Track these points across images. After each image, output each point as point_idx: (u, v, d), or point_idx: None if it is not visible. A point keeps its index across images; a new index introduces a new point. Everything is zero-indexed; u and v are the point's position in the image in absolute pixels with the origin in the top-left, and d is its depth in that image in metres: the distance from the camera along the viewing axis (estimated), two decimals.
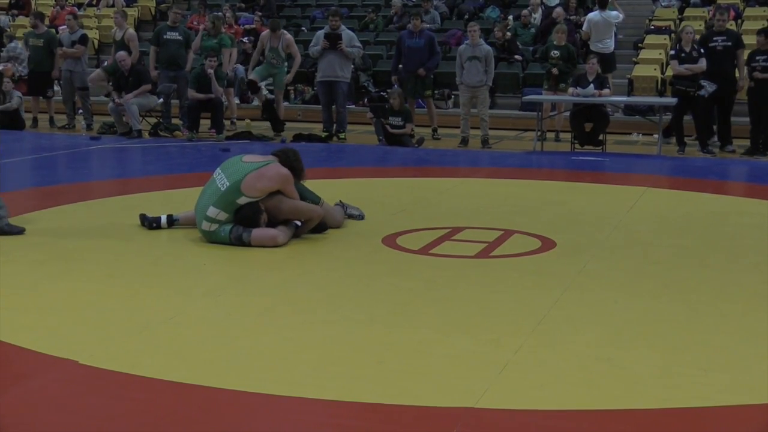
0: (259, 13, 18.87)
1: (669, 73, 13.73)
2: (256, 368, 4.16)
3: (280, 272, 6.03)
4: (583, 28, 15.21)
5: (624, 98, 14.43)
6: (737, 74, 12.48)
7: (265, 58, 14.03)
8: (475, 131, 13.13)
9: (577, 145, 12.63)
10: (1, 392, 3.83)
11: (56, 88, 15.37)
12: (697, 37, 12.89)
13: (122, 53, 13.64)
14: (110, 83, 13.82)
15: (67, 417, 3.65)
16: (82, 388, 3.95)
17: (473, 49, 12.95)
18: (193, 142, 12.89)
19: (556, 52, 13.47)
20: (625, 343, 4.51)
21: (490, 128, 13.23)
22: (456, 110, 14.51)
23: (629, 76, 15.69)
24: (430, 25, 16.99)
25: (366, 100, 16.13)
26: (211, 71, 13.20)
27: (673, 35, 16.24)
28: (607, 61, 14.44)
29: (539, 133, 12.82)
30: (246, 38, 17.21)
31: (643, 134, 14.24)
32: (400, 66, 13.83)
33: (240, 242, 6.46)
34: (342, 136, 13.64)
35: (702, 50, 12.31)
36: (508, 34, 16.75)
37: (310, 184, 7.20)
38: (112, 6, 20.24)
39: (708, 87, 12.10)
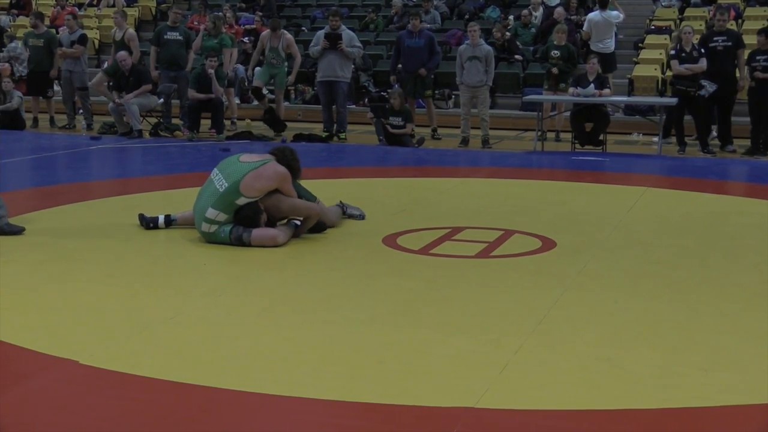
0: (260, 13, 18.87)
1: (669, 73, 13.73)
2: (256, 368, 4.16)
3: (281, 272, 6.03)
4: (584, 28, 15.22)
5: (624, 98, 14.43)
6: (738, 74, 12.48)
7: (265, 58, 14.03)
8: (475, 131, 13.13)
9: (577, 145, 12.63)
10: (1, 392, 3.83)
11: (56, 88, 15.38)
12: (697, 37, 12.89)
13: (123, 53, 13.64)
14: (110, 83, 13.82)
15: (67, 417, 3.65)
16: (82, 388, 3.95)
17: (473, 49, 12.94)
18: (194, 142, 12.90)
19: (556, 52, 13.47)
20: (625, 343, 4.51)
21: (490, 128, 13.23)
22: (456, 110, 14.51)
23: (629, 76, 15.70)
24: (430, 25, 17.00)
25: (366, 100, 16.13)
26: (211, 71, 13.21)
27: (674, 35, 16.24)
28: (608, 61, 14.44)
29: (539, 133, 12.82)
30: (246, 38, 17.21)
31: (644, 134, 14.23)
32: (399, 66, 13.82)
33: (240, 242, 6.46)
34: (342, 136, 13.64)
35: (702, 50, 12.32)
36: (507, 34, 16.75)
37: (311, 183, 7.21)
38: (113, 6, 20.25)
39: (708, 87, 12.10)
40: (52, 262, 6.12)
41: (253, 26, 18.03)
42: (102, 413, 3.68)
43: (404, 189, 9.32)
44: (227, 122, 14.23)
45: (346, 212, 7.46)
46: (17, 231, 6.72)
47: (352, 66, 14.38)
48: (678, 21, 17.42)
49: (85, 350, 4.30)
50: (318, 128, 13.94)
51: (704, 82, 12.13)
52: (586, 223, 7.63)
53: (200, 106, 13.37)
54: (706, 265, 6.21)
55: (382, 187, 9.48)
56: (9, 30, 19.01)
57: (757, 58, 12.15)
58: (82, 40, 14.74)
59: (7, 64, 15.20)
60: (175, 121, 14.31)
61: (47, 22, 18.21)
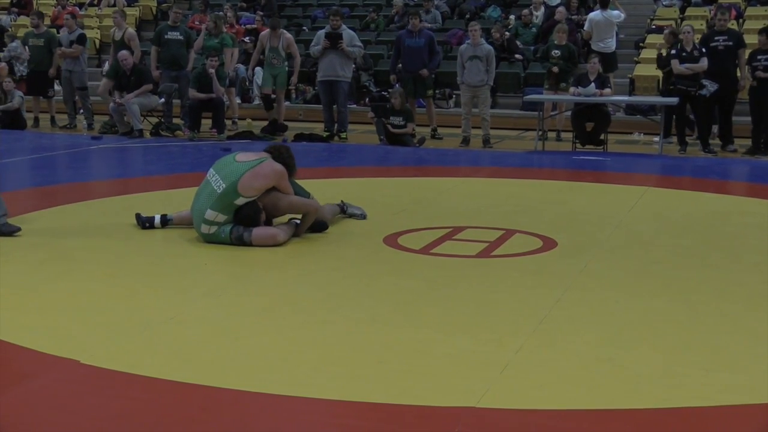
0: (260, 13, 18.87)
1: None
2: (257, 368, 4.16)
3: (281, 272, 6.03)
4: (585, 28, 15.22)
5: (625, 98, 14.43)
6: (738, 74, 12.48)
7: (265, 58, 14.02)
8: (476, 131, 13.12)
9: (578, 145, 12.63)
10: (2, 392, 3.83)
11: (57, 87, 15.39)
12: (698, 37, 12.88)
13: (124, 52, 13.65)
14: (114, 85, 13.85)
15: (68, 417, 3.65)
16: (83, 387, 3.95)
17: (474, 49, 12.94)
18: (195, 142, 12.90)
19: (557, 51, 13.47)
20: (626, 343, 4.51)
21: (491, 128, 13.23)
22: (457, 110, 14.50)
23: (630, 76, 15.69)
24: (431, 24, 17.00)
25: (367, 99, 16.13)
26: (212, 71, 13.21)
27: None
28: (609, 61, 14.44)
29: (540, 133, 12.82)
30: (247, 38, 17.21)
31: (645, 134, 14.23)
32: (400, 66, 13.82)
33: (241, 242, 6.46)
34: (343, 135, 13.64)
35: (704, 50, 12.31)
36: (507, 34, 16.74)
37: (312, 183, 7.21)
38: (114, 5, 20.25)
39: (710, 86, 12.10)
40: (53, 261, 6.12)
41: (254, 26, 18.02)
42: (103, 413, 3.68)
43: (405, 189, 9.32)
44: (228, 122, 14.23)
45: (347, 211, 7.47)
46: (14, 231, 6.69)
47: (353, 66, 14.38)
48: (679, 20, 17.41)
49: (86, 350, 4.30)
50: (319, 128, 13.94)
51: (705, 82, 12.13)
52: (587, 222, 7.63)
53: (201, 105, 13.38)
54: (707, 265, 6.21)
55: (383, 186, 9.48)
56: (10, 29, 19.01)
57: (758, 57, 12.14)
58: (81, 39, 14.75)
59: (4, 64, 15.19)
60: (176, 120, 14.31)
61: (48, 21, 18.23)
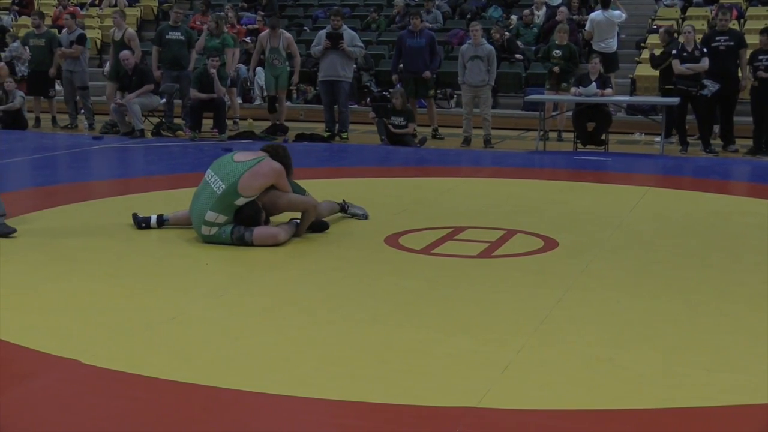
0: (261, 13, 18.87)
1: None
2: (259, 368, 4.16)
3: (283, 272, 6.03)
4: (586, 28, 15.22)
5: (626, 98, 14.42)
6: (740, 74, 12.47)
7: (265, 59, 14.02)
8: (477, 131, 13.12)
9: (579, 145, 12.63)
10: (3, 392, 3.84)
11: (58, 87, 15.40)
12: (699, 37, 12.88)
13: (126, 52, 13.67)
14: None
15: (69, 416, 3.65)
16: (84, 387, 3.96)
17: (476, 49, 12.94)
18: (196, 142, 12.90)
19: (558, 51, 13.47)
20: (627, 343, 4.51)
21: (492, 128, 13.23)
22: (458, 110, 14.50)
23: (632, 76, 15.69)
24: (432, 24, 17.00)
25: (368, 99, 16.14)
26: (213, 71, 13.22)
27: (676, 34, 16.21)
28: (610, 61, 14.44)
29: (541, 133, 12.82)
30: (249, 38, 17.21)
31: (646, 134, 14.23)
32: (401, 65, 13.82)
33: (242, 242, 6.46)
34: (344, 135, 13.64)
35: (705, 50, 12.31)
36: (507, 34, 16.74)
37: (313, 183, 7.22)
38: (115, 6, 20.26)
39: (711, 86, 12.10)
40: (54, 261, 6.13)
41: (255, 26, 18.03)
42: (104, 413, 3.68)
43: (406, 189, 9.32)
44: (229, 122, 14.23)
45: (348, 211, 7.47)
46: (9, 232, 6.67)
47: (354, 66, 14.38)
48: (680, 20, 17.40)
49: (87, 350, 4.30)
50: (320, 128, 13.95)
51: (707, 82, 12.13)
52: (588, 222, 7.63)
53: (202, 105, 13.38)
54: (708, 265, 6.21)
55: (384, 186, 9.48)
56: (11, 30, 19.02)
57: (760, 57, 12.14)
58: (81, 39, 14.75)
59: (3, 64, 15.19)
60: (177, 120, 14.32)
61: (49, 21, 18.24)
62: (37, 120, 15.08)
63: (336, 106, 13.64)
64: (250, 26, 18.31)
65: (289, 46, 13.92)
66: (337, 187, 8.86)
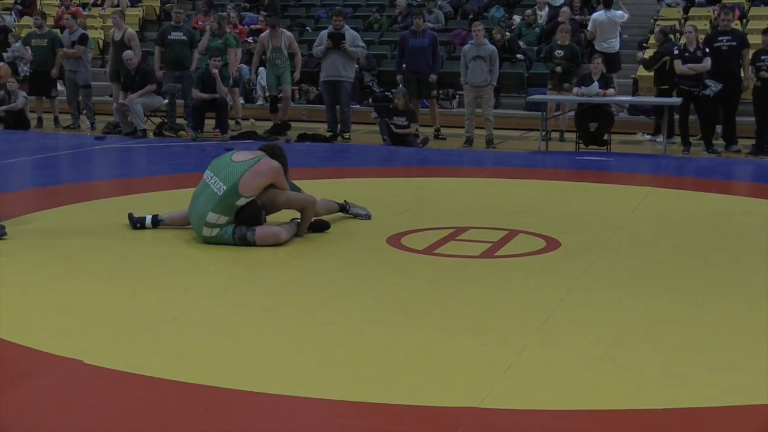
0: (264, 13, 18.88)
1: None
2: (260, 368, 4.16)
3: (284, 272, 6.03)
4: (588, 28, 15.21)
5: (629, 98, 14.41)
6: (742, 74, 12.47)
7: (267, 59, 14.01)
8: (479, 131, 13.12)
9: (581, 145, 12.62)
10: (6, 391, 3.84)
11: (60, 87, 15.41)
12: (701, 37, 12.89)
13: (129, 52, 13.68)
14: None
15: (71, 416, 3.65)
16: (86, 387, 3.96)
17: (478, 49, 12.94)
18: (198, 142, 12.90)
19: (560, 51, 13.46)
20: (630, 343, 4.51)
21: (494, 128, 13.22)
22: (460, 110, 14.50)
23: (634, 76, 15.67)
24: (433, 24, 17.00)
25: (370, 100, 16.13)
26: (215, 71, 13.22)
27: (671, 35, 16.21)
28: (612, 61, 14.43)
29: (544, 133, 12.81)
30: (251, 38, 17.22)
31: (648, 134, 14.21)
32: (403, 66, 13.82)
33: (244, 242, 6.45)
34: (346, 136, 13.64)
35: (707, 50, 12.31)
36: (508, 34, 16.74)
37: (315, 183, 7.22)
38: (117, 6, 20.28)
39: (713, 86, 12.09)
40: (56, 261, 6.13)
41: (258, 26, 18.03)
42: (106, 413, 3.68)
43: (408, 189, 9.32)
44: (231, 122, 14.24)
45: (350, 211, 7.47)
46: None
47: (356, 66, 14.37)
48: (683, 20, 17.40)
49: (89, 350, 4.30)
50: (322, 128, 13.95)
51: (709, 82, 12.13)
52: (590, 223, 7.63)
53: (204, 106, 13.38)
54: (711, 266, 6.21)
55: (386, 187, 9.48)
56: (14, 30, 19.03)
57: (762, 57, 12.12)
58: (83, 39, 14.76)
59: (4, 64, 15.20)
60: (179, 120, 14.32)
61: (51, 22, 18.25)
62: (40, 120, 15.09)
63: (338, 107, 13.64)
64: (252, 26, 18.31)
65: (291, 45, 13.93)
66: (339, 187, 8.86)
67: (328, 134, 13.58)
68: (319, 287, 5.60)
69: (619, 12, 14.92)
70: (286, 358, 4.29)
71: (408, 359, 4.27)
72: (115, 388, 3.93)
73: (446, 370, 4.14)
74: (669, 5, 18.29)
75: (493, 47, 13.23)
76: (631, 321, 4.91)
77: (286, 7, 20.54)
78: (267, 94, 14.76)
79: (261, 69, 15.43)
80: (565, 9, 16.48)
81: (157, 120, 14.02)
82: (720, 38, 12.44)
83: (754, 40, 13.09)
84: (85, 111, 15.00)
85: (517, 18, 18.19)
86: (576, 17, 16.73)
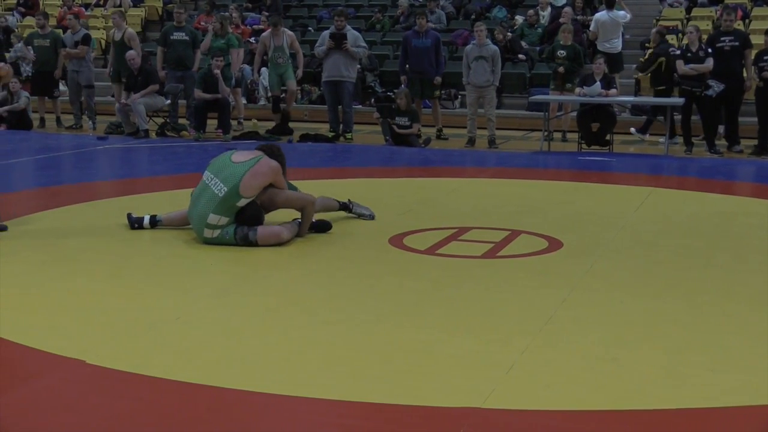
0: (266, 13, 18.88)
1: (640, 75, 13.74)
2: (262, 368, 4.16)
3: (286, 272, 6.03)
4: (591, 28, 15.20)
5: (631, 98, 14.39)
6: (745, 74, 12.46)
7: (269, 59, 14.01)
8: (481, 131, 13.12)
9: (583, 145, 12.62)
10: (8, 391, 3.84)
11: (63, 88, 15.41)
12: (704, 36, 12.89)
13: (132, 52, 13.69)
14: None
15: (73, 416, 3.66)
16: (89, 387, 3.96)
17: (480, 49, 12.94)
18: (200, 142, 12.91)
19: (562, 51, 13.45)
20: (632, 344, 4.51)
21: (496, 128, 13.22)
22: (463, 110, 14.49)
23: (636, 77, 15.65)
24: (435, 25, 17.00)
25: (373, 100, 16.13)
26: (217, 71, 13.23)
27: (681, 35, 16.21)
28: (615, 61, 14.42)
29: (546, 133, 12.81)
30: (253, 38, 17.23)
31: (650, 134, 14.20)
32: (407, 66, 13.81)
33: (246, 242, 6.45)
34: (348, 136, 13.64)
35: (710, 50, 12.30)
36: (509, 34, 16.74)
37: (317, 184, 7.22)
38: (120, 6, 20.29)
39: (716, 87, 12.09)
40: (58, 261, 6.13)
41: (260, 26, 18.04)
42: (108, 413, 3.68)
43: (411, 189, 9.32)
44: (234, 122, 14.24)
45: (354, 211, 7.47)
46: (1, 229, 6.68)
47: (358, 66, 14.37)
48: (685, 21, 17.39)
49: (91, 350, 4.31)
50: (324, 128, 13.95)
51: (711, 82, 12.12)
52: (592, 223, 7.62)
53: (207, 106, 13.38)
54: (713, 266, 6.20)
55: (388, 187, 9.48)
56: (16, 30, 19.05)
57: (765, 58, 12.11)
58: (86, 40, 14.77)
59: (4, 64, 15.19)
60: (181, 121, 14.33)
61: (53, 22, 18.26)
62: (42, 120, 15.10)
63: (340, 107, 13.64)
64: (254, 26, 18.32)
65: (292, 44, 13.93)
66: (341, 187, 8.85)
67: (331, 134, 13.58)
68: (321, 287, 5.60)
69: (622, 12, 14.91)
70: (288, 358, 4.29)
71: (410, 359, 4.27)
72: (117, 388, 3.93)
73: (448, 370, 4.14)
74: (671, 5, 18.28)
75: (495, 47, 13.23)
76: (633, 321, 4.90)
77: (288, 8, 20.55)
78: (269, 94, 14.77)
79: (264, 69, 15.43)
80: (568, 9, 16.47)
81: (160, 120, 14.03)
82: (722, 38, 12.43)
83: (757, 40, 13.09)
84: (86, 111, 15.00)
85: (519, 18, 18.20)
86: (578, 17, 16.72)
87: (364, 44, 13.89)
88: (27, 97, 14.63)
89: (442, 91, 14.92)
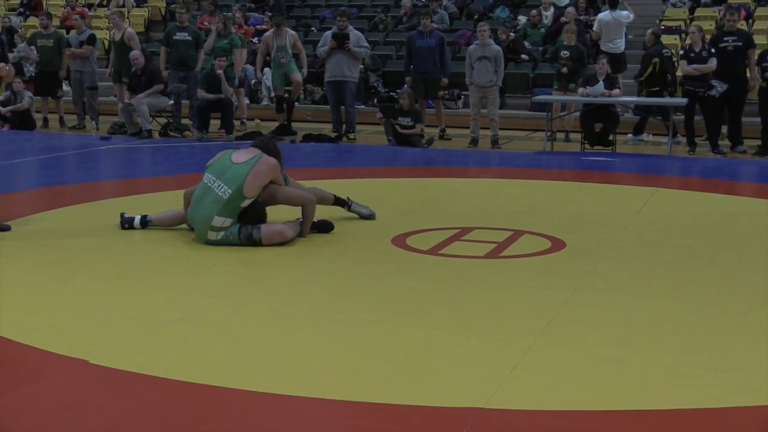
0: (269, 14, 18.89)
1: (679, 72, 13.72)
2: (265, 368, 4.16)
3: (289, 272, 6.03)
4: (594, 28, 15.20)
5: (634, 98, 14.37)
6: (748, 74, 12.45)
7: (272, 59, 14.01)
8: (484, 131, 13.12)
9: (586, 146, 12.61)
10: (11, 391, 3.85)
11: (66, 88, 15.42)
12: (708, 37, 12.87)
13: (135, 52, 13.71)
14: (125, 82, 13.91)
15: (76, 416, 3.66)
16: (92, 387, 3.96)
17: (483, 49, 12.94)
18: (203, 143, 12.91)
19: (565, 52, 13.45)
20: (635, 344, 4.50)
21: (499, 128, 13.22)
22: (466, 110, 14.50)
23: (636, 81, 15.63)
24: (438, 25, 17.00)
25: (375, 100, 16.14)
26: (220, 72, 13.23)
27: (684, 35, 16.20)
28: (618, 62, 14.41)
29: (549, 134, 12.81)
30: (256, 38, 17.23)
31: (653, 134, 14.20)
32: (411, 66, 13.81)
33: (250, 241, 6.45)
34: (351, 136, 13.64)
35: (713, 50, 12.30)
36: (512, 35, 16.74)
37: (320, 184, 7.22)
38: (123, 6, 20.31)
39: (719, 87, 12.08)
40: (62, 261, 6.13)
41: (263, 26, 18.04)
42: (111, 413, 3.69)
43: (413, 189, 9.32)
44: (237, 122, 14.25)
45: (352, 208, 7.45)
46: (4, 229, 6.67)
47: (361, 66, 14.37)
48: (688, 21, 17.38)
49: (94, 350, 4.31)
50: (327, 128, 13.95)
51: (715, 82, 12.12)
52: (595, 223, 7.62)
53: (210, 106, 13.40)
54: (716, 266, 6.20)
55: (391, 187, 9.47)
56: (20, 30, 19.07)
57: None
58: (92, 40, 14.78)
59: (5, 65, 15.19)
60: (184, 121, 14.34)
61: (56, 22, 18.27)
62: (45, 120, 15.11)
63: (343, 107, 13.65)
64: (257, 27, 18.32)
65: (295, 44, 13.93)
66: (344, 187, 8.83)
67: (333, 135, 13.58)
68: (324, 287, 5.60)
69: (625, 12, 14.91)
70: (290, 359, 4.29)
71: (413, 359, 4.27)
72: (121, 388, 3.94)
73: (451, 370, 4.14)
74: (674, 5, 18.27)
75: (498, 48, 13.23)
76: (636, 321, 4.90)
77: (291, 8, 20.57)
78: (272, 94, 14.77)
79: (267, 70, 15.43)
80: (571, 9, 16.47)
81: (163, 120, 14.03)
82: (726, 38, 12.43)
83: (760, 40, 13.10)
84: (89, 112, 15.00)
85: (522, 18, 18.20)
86: (581, 17, 16.71)
87: (366, 44, 13.89)
88: (30, 97, 14.64)
89: (445, 92, 14.93)
